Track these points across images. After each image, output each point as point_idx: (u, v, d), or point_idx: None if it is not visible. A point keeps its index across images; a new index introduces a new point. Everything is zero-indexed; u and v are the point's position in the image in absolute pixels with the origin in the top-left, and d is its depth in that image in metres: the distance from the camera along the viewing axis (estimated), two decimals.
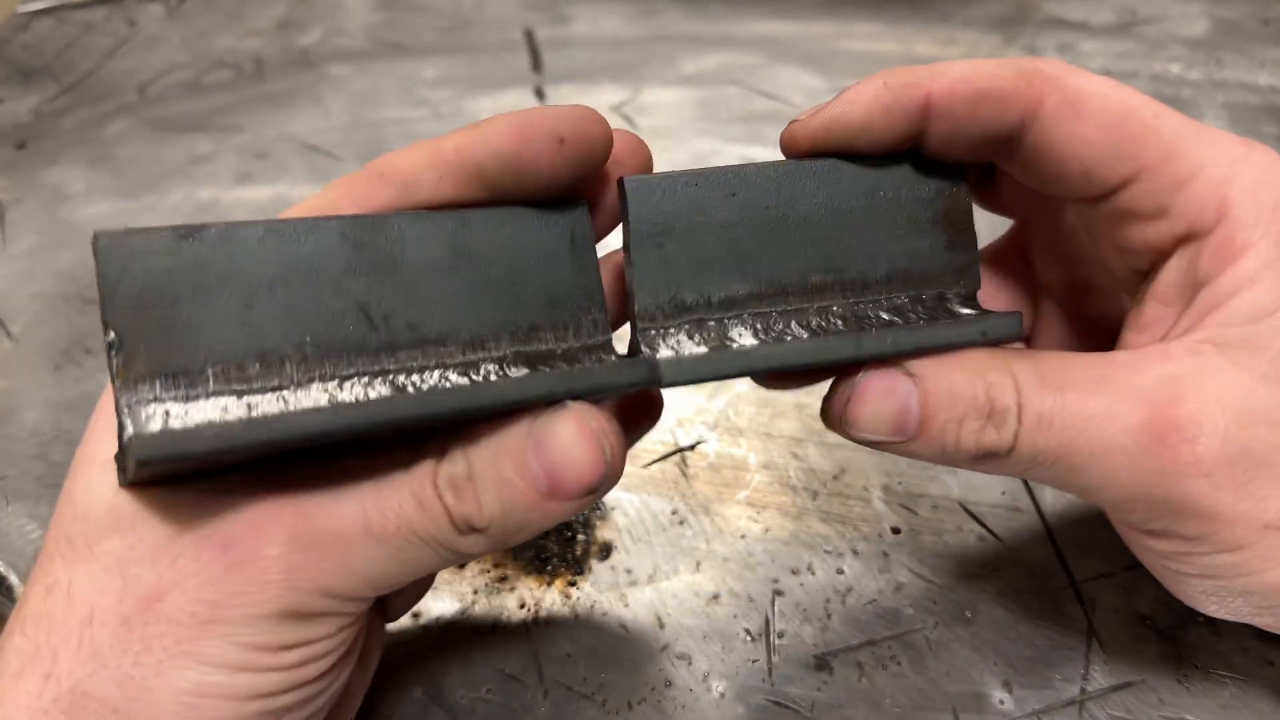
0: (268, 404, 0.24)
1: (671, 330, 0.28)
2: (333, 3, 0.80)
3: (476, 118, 0.72)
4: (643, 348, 0.27)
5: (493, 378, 0.26)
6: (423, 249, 0.26)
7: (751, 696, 0.35)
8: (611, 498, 0.42)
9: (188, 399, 0.23)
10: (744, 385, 0.47)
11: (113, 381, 0.23)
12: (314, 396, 0.24)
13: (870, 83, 0.28)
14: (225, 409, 0.24)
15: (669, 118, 0.65)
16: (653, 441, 0.45)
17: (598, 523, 0.42)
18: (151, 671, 0.23)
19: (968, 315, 0.29)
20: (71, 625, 0.24)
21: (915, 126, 0.28)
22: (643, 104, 0.67)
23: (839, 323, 0.29)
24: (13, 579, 0.41)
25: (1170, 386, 0.26)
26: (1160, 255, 0.29)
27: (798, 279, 0.29)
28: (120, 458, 0.24)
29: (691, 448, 0.45)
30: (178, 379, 0.23)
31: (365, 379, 0.25)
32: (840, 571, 0.39)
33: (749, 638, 0.37)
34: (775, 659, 0.37)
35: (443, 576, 0.39)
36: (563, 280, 0.28)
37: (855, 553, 0.40)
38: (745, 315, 0.28)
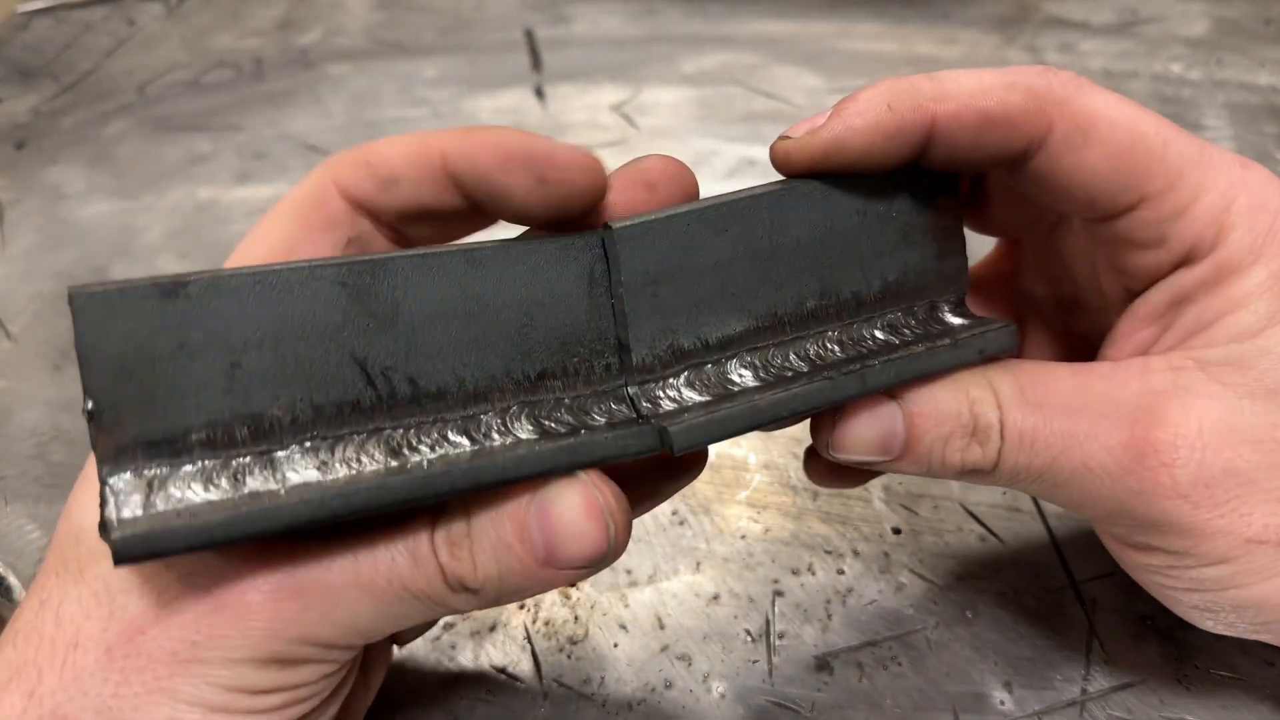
0: (256, 474, 0.23)
1: (670, 380, 0.27)
2: (332, 2, 0.80)
3: (476, 117, 0.72)
4: (643, 403, 0.26)
5: (495, 436, 0.25)
6: (428, 295, 0.24)
7: (752, 697, 0.35)
8: None
9: (171, 467, 0.22)
10: None
11: (93, 449, 0.22)
12: (304, 463, 0.23)
13: (872, 103, 0.26)
14: (210, 479, 0.22)
15: (669, 117, 0.65)
16: None
17: None
18: (129, 704, 0.23)
19: (960, 325, 0.29)
20: (58, 646, 0.24)
21: (918, 150, 0.27)
22: (642, 104, 0.67)
23: (836, 348, 0.28)
24: (11, 580, 0.41)
25: (1150, 403, 0.26)
26: (1154, 279, 0.29)
27: (793, 307, 0.28)
28: (103, 533, 0.22)
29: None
30: (160, 447, 0.22)
31: (360, 439, 0.24)
32: (841, 572, 0.39)
33: (749, 638, 0.37)
34: (775, 659, 0.37)
35: None
36: (576, 322, 0.26)
37: (856, 553, 0.40)
38: (743, 353, 0.27)
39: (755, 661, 0.36)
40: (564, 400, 0.26)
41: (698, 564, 0.40)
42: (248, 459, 0.23)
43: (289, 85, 0.71)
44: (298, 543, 0.24)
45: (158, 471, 0.22)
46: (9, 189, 0.63)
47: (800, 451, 0.44)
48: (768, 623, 0.38)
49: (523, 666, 0.37)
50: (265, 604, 0.23)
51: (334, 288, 0.23)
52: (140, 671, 0.23)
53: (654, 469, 0.30)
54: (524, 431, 0.25)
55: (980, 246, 0.35)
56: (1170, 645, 0.36)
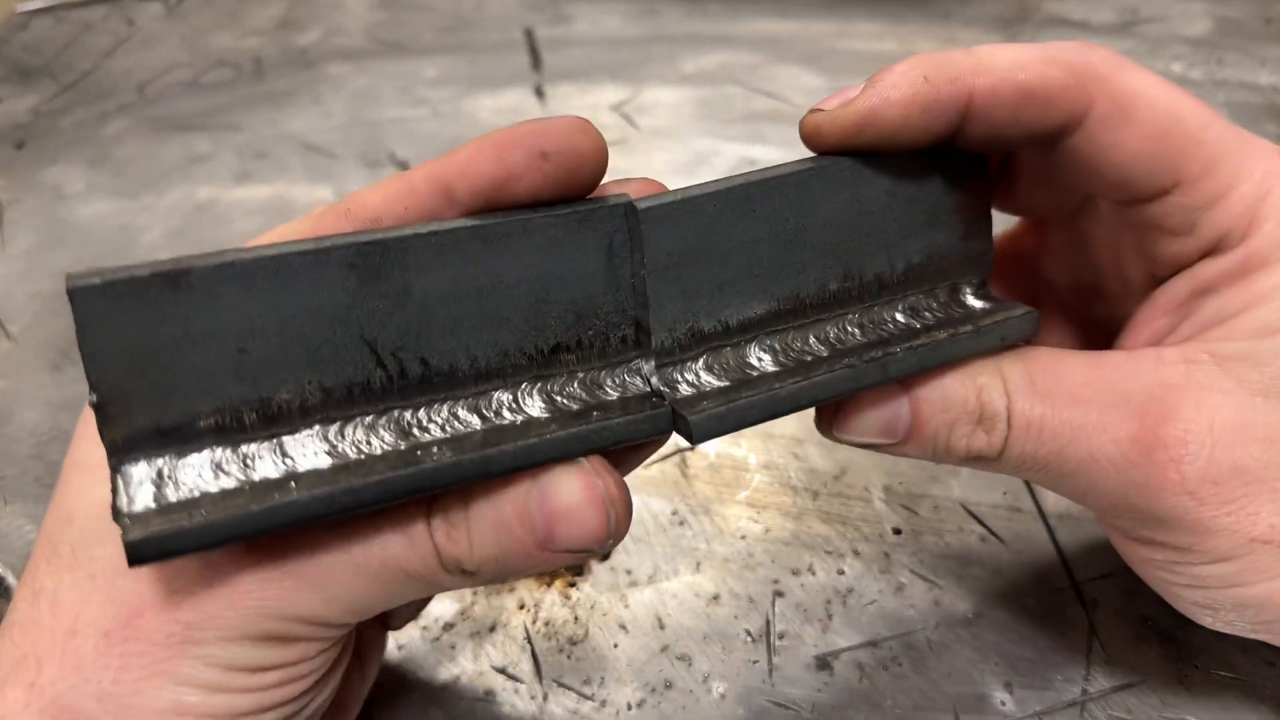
0: (265, 460, 0.23)
1: (689, 364, 0.26)
2: (332, 2, 0.80)
3: (476, 117, 0.72)
4: (662, 386, 0.26)
5: (506, 414, 0.25)
6: (440, 274, 0.24)
7: (752, 698, 0.35)
8: None
9: (181, 455, 0.22)
10: None
11: (101, 439, 0.22)
12: (314, 447, 0.23)
13: (907, 75, 0.26)
14: (220, 466, 0.22)
15: (669, 117, 0.65)
16: None
17: None
18: (130, 690, 0.23)
19: (982, 310, 0.29)
20: (56, 635, 0.24)
21: (954, 126, 0.26)
22: (642, 103, 0.67)
23: (856, 331, 0.28)
24: (10, 580, 0.41)
25: (1163, 396, 0.26)
26: (1180, 267, 0.28)
27: (816, 290, 0.27)
28: (116, 519, 0.22)
29: (692, 448, 0.44)
30: (168, 435, 0.22)
31: (370, 420, 0.24)
32: (841, 572, 0.39)
33: (749, 638, 0.37)
34: (776, 660, 0.36)
35: None
36: (593, 294, 0.25)
37: (856, 553, 0.40)
38: (762, 336, 0.27)
39: (755, 662, 0.36)
40: (577, 374, 0.26)
41: (698, 564, 0.40)
42: (257, 444, 0.23)
43: (289, 85, 0.71)
44: None
45: (167, 459, 0.22)
46: (8, 189, 0.63)
47: (801, 452, 0.44)
48: (768, 623, 0.38)
49: (523, 667, 0.37)
50: (258, 582, 0.23)
51: (342, 269, 0.23)
52: (139, 655, 0.23)
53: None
54: (535, 409, 0.25)
55: (1000, 222, 0.35)
56: (1171, 646, 0.36)
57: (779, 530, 0.41)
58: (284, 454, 0.23)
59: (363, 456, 0.23)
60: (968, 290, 0.29)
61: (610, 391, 0.26)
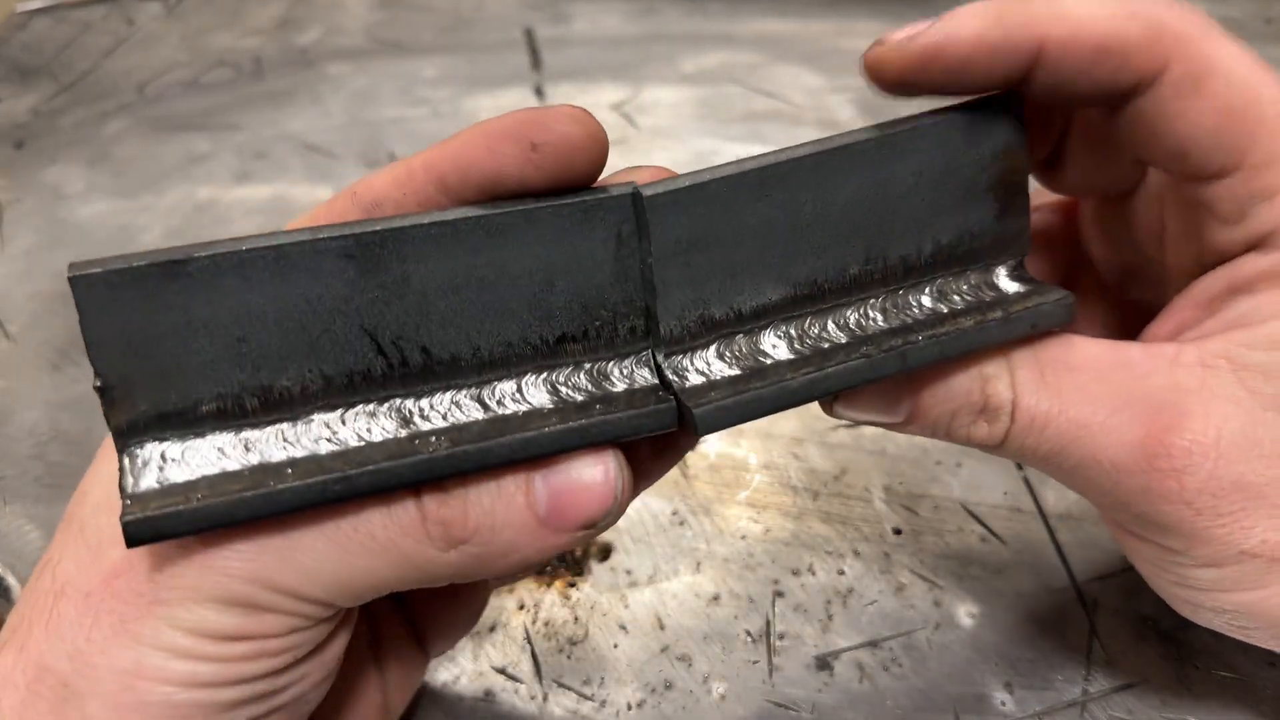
0: (267, 446, 0.23)
1: (699, 351, 0.26)
2: (332, 2, 0.80)
3: (476, 116, 0.72)
4: (670, 375, 0.25)
5: (509, 404, 0.24)
6: (441, 265, 0.23)
7: (752, 698, 0.35)
8: None
9: (183, 440, 0.23)
10: None
11: (107, 423, 0.22)
12: (314, 434, 0.23)
13: (979, 12, 0.25)
14: (222, 451, 0.23)
15: (669, 117, 0.65)
16: None
17: None
18: (98, 648, 0.23)
19: (1015, 293, 0.27)
20: (48, 600, 0.24)
21: (1021, 71, 0.25)
22: (642, 103, 0.66)
23: (879, 317, 0.26)
24: (10, 580, 0.41)
25: (1173, 401, 0.26)
26: (1223, 258, 0.27)
27: (835, 274, 0.26)
28: (122, 498, 0.23)
29: (695, 443, 0.44)
30: (171, 420, 0.23)
31: (371, 408, 0.24)
32: (841, 572, 0.39)
33: (749, 639, 0.37)
34: (776, 660, 0.36)
35: None
36: (601, 284, 0.25)
37: (856, 553, 0.40)
38: (778, 323, 0.26)
39: (755, 662, 0.36)
40: (584, 365, 0.25)
41: (698, 564, 0.40)
42: (258, 430, 0.23)
43: (288, 85, 0.71)
44: None
45: (170, 443, 0.23)
46: (8, 189, 0.63)
47: (801, 452, 0.44)
48: (768, 623, 0.38)
49: (522, 667, 0.37)
50: (230, 548, 0.23)
51: (340, 260, 0.23)
52: (110, 614, 0.23)
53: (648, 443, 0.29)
54: (539, 399, 0.25)
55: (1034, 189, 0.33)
56: (1171, 646, 0.36)
57: (779, 530, 0.41)
58: (284, 440, 0.23)
59: (362, 444, 0.23)
60: (1002, 272, 0.28)
61: (617, 384, 0.25)
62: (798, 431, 0.44)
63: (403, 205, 0.25)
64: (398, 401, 0.24)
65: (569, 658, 0.37)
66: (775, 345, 0.26)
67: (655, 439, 0.26)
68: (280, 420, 0.23)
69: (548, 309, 0.25)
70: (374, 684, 0.30)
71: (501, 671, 0.37)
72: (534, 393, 0.25)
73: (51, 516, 0.43)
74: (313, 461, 0.23)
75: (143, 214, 0.60)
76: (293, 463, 0.23)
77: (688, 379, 0.25)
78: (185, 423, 0.23)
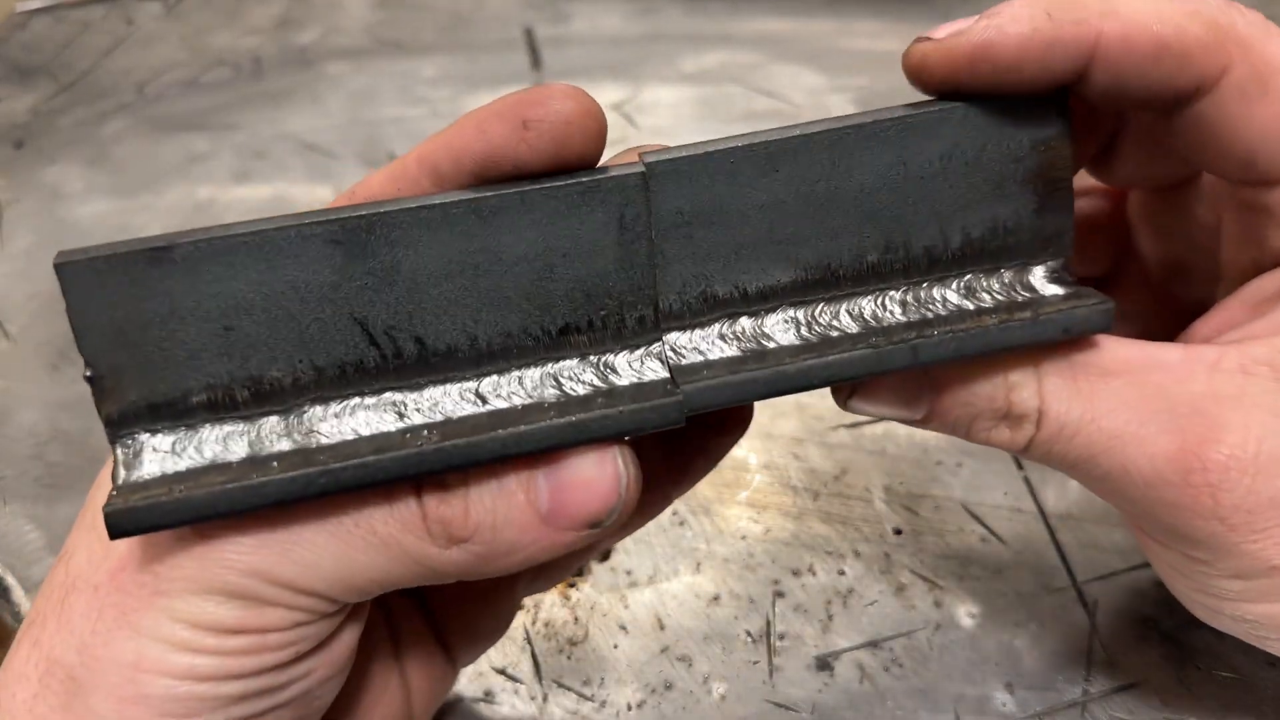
0: (257, 437, 0.23)
1: (699, 330, 0.25)
2: (331, 1, 0.80)
3: None
4: (668, 354, 0.25)
5: (510, 399, 0.24)
6: (431, 251, 0.23)
7: (752, 698, 0.35)
8: None
9: (173, 431, 0.23)
10: None
11: (99, 414, 0.22)
12: (305, 426, 0.23)
13: (1030, 8, 0.23)
14: (214, 442, 0.23)
15: (669, 116, 0.65)
16: None
17: None
18: (102, 640, 0.23)
19: (1053, 296, 0.25)
20: (60, 593, 0.24)
21: (1074, 72, 0.24)
22: (642, 103, 0.66)
23: (897, 310, 0.25)
24: (10, 580, 0.41)
25: (1211, 412, 0.24)
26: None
27: (851, 260, 0.25)
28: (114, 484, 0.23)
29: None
30: (162, 410, 0.23)
31: (364, 400, 0.23)
32: (841, 573, 0.39)
33: (749, 639, 0.37)
34: (776, 661, 0.36)
35: None
36: (605, 271, 0.24)
37: (857, 554, 0.40)
38: (786, 306, 0.25)
39: (756, 663, 0.36)
40: (589, 357, 0.24)
41: (698, 565, 0.40)
42: (249, 422, 0.23)
43: (288, 84, 0.71)
44: None
45: (161, 435, 0.23)
46: (7, 189, 0.63)
47: (801, 452, 0.44)
48: (768, 624, 0.38)
49: (522, 668, 0.37)
50: (231, 540, 0.23)
51: (326, 246, 0.22)
52: (114, 606, 0.23)
53: (698, 428, 0.28)
54: (540, 393, 0.24)
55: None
56: (1172, 646, 0.36)
57: (779, 531, 0.41)
58: (275, 432, 0.23)
59: (353, 437, 0.23)
60: (1040, 272, 0.26)
61: (624, 377, 0.24)
62: (798, 431, 0.44)
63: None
64: (391, 394, 0.24)
65: (569, 658, 0.37)
66: (782, 331, 0.25)
67: (667, 460, 0.25)
68: (271, 412, 0.23)
69: (548, 298, 0.24)
70: (395, 688, 0.30)
71: (501, 672, 0.36)
72: (534, 386, 0.24)
73: (51, 516, 0.43)
74: (301, 455, 0.23)
75: (142, 214, 0.60)
76: (280, 456, 0.23)
77: (683, 357, 0.24)
78: (176, 413, 0.23)
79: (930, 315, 0.25)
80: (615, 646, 0.37)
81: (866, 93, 0.64)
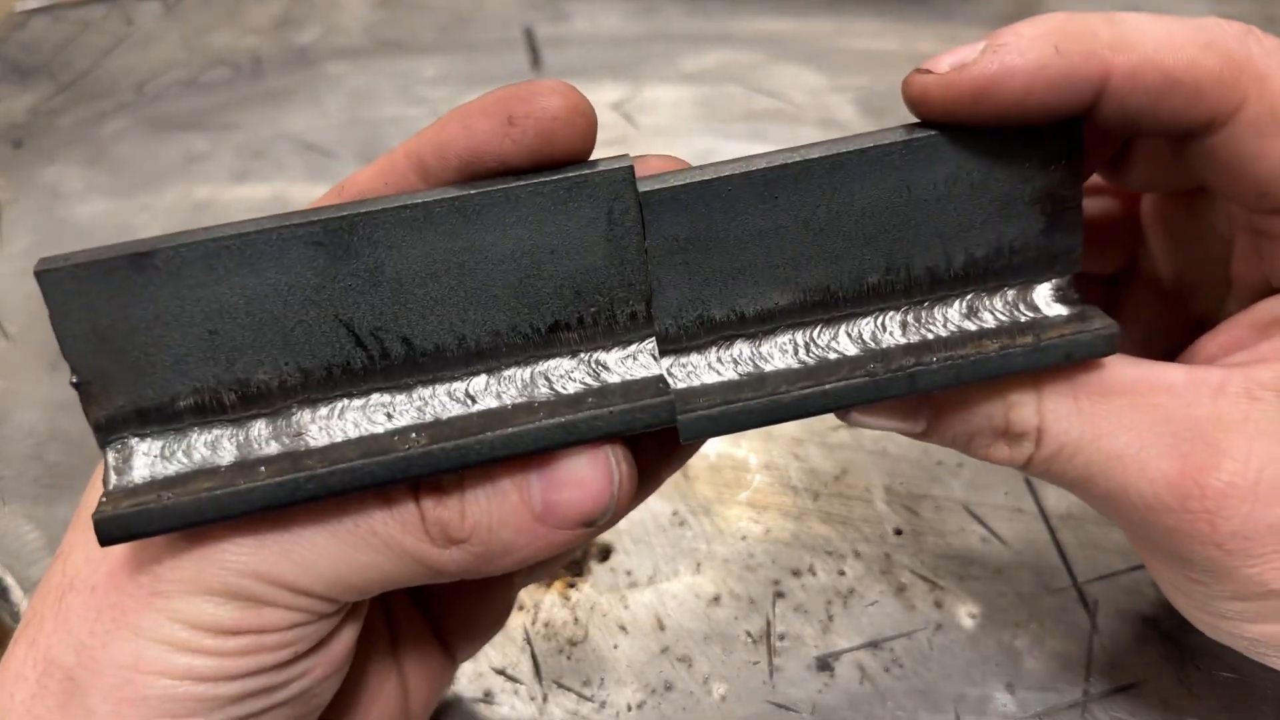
0: (245, 441, 0.23)
1: (695, 355, 0.24)
2: (331, 1, 0.80)
3: None
4: (668, 370, 0.24)
5: (499, 398, 0.24)
6: (414, 251, 0.23)
7: (752, 699, 0.35)
8: None
9: (162, 435, 0.23)
10: None
11: (87, 419, 0.22)
12: (294, 428, 0.23)
13: (1036, 40, 0.22)
14: (203, 446, 0.23)
15: (669, 116, 0.65)
16: None
17: None
18: (100, 641, 0.23)
19: (1056, 318, 0.25)
20: (57, 593, 0.24)
21: (1083, 107, 0.23)
22: (642, 102, 0.66)
23: (896, 330, 0.25)
24: (9, 580, 0.41)
25: (1212, 436, 0.24)
26: None
27: (851, 282, 0.24)
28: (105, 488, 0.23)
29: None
30: (150, 414, 0.22)
31: (352, 402, 0.23)
32: (842, 573, 0.39)
33: (750, 640, 0.37)
34: (776, 661, 0.36)
35: None
36: (594, 268, 0.23)
37: (857, 554, 0.40)
38: (784, 329, 0.25)
39: (756, 663, 0.36)
40: (580, 354, 0.24)
41: (698, 565, 0.40)
42: (237, 426, 0.23)
43: (287, 84, 0.71)
44: None
45: (150, 439, 0.23)
46: (6, 188, 0.63)
47: (801, 452, 0.44)
48: (768, 624, 0.37)
49: (522, 668, 0.37)
50: (229, 540, 0.23)
51: (308, 248, 0.22)
52: (113, 607, 0.23)
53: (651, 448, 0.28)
54: (531, 393, 0.24)
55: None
56: (1172, 647, 0.36)
57: (779, 531, 0.41)
58: (262, 436, 0.23)
59: (341, 440, 0.23)
60: (1044, 290, 0.25)
61: (615, 374, 0.24)
62: (798, 432, 0.44)
63: (382, 193, 0.24)
64: (380, 395, 0.23)
65: (569, 659, 0.37)
66: (779, 353, 0.25)
67: (658, 444, 0.25)
68: (259, 416, 0.23)
69: (536, 295, 0.23)
70: (393, 685, 0.30)
71: (501, 672, 0.36)
72: (524, 385, 0.24)
73: (50, 516, 0.43)
74: (289, 458, 0.23)
75: (141, 213, 0.60)
76: (268, 459, 0.23)
77: (678, 382, 0.24)
78: (164, 418, 0.23)
79: (930, 336, 0.25)
80: (615, 647, 0.37)
81: (866, 92, 0.64)
